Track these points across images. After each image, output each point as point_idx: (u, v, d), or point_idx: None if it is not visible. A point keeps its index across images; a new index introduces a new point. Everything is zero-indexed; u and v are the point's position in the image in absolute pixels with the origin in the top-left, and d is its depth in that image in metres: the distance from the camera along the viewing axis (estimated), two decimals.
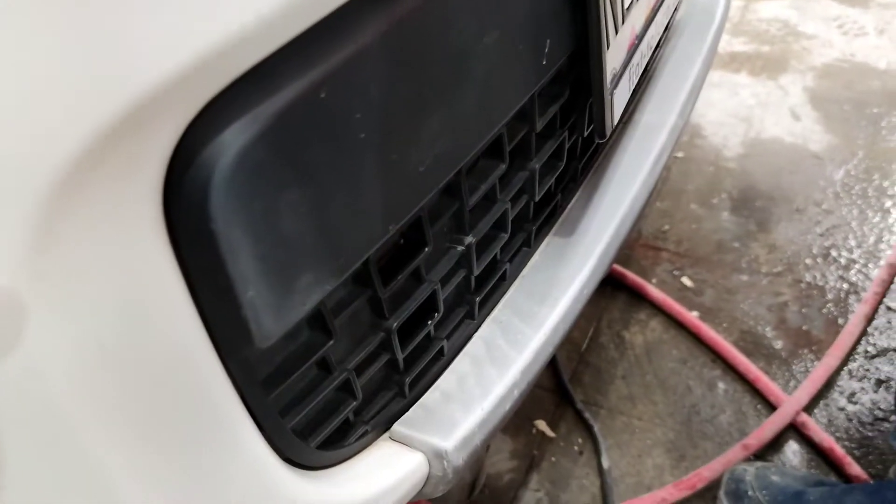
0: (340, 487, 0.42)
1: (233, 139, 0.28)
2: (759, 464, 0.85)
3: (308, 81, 0.30)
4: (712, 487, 0.87)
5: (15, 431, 0.26)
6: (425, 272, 0.44)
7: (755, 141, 1.38)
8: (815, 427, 0.91)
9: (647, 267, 1.16)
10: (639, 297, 1.11)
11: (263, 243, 0.31)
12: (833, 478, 0.87)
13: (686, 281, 1.14)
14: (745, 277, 1.13)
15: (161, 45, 0.25)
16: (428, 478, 0.46)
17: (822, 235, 1.18)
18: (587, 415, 0.97)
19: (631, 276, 1.12)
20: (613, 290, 1.12)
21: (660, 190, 1.29)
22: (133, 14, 0.24)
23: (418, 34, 0.35)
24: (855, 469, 0.87)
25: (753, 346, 1.03)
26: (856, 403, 0.95)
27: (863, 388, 0.96)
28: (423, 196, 0.39)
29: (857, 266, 1.12)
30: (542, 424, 0.97)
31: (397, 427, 0.46)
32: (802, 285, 1.11)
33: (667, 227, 1.23)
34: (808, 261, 1.14)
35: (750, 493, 0.80)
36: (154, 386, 0.30)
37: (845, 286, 1.10)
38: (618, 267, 1.14)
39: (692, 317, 1.07)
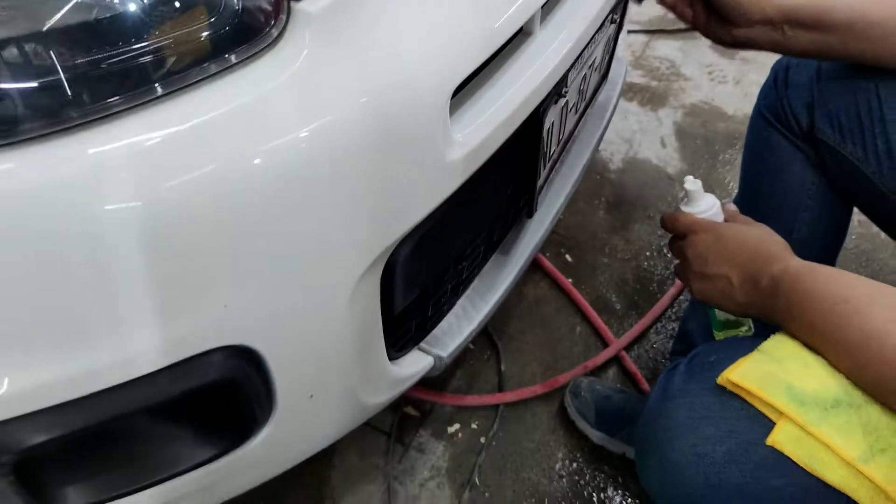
0: (401, 368, 0.98)
1: (399, 252, 0.82)
2: (591, 378, 1.46)
3: (415, 237, 0.84)
4: (564, 388, 1.47)
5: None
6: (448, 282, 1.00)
7: (632, 159, 1.97)
8: (629, 360, 1.53)
9: (545, 244, 1.74)
10: (536, 265, 1.70)
11: (408, 278, 0.85)
12: (632, 390, 1.50)
13: (568, 257, 1.73)
14: (605, 260, 1.73)
15: (392, 225, 0.79)
16: (433, 367, 1.03)
17: (660, 237, 1.79)
18: (495, 337, 1.55)
19: None
20: None
21: None
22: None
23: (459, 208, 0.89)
24: (645, 385, 1.49)
25: (603, 305, 1.64)
26: (654, 348, 1.57)
27: (660, 339, 1.59)
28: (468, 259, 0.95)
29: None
30: None
31: (422, 345, 1.03)
32: (641, 269, 1.72)
33: (561, 216, 1.81)
34: (648, 253, 1.75)
35: (582, 393, 1.41)
36: (363, 328, 0.85)
37: (666, 273, 1.71)
38: None
39: (568, 282, 1.66)
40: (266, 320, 0.73)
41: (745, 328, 0.99)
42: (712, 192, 1.82)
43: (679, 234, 0.93)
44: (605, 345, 1.56)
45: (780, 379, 0.70)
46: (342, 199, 0.71)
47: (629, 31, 2.24)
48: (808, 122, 1.17)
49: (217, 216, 0.64)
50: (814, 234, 1.28)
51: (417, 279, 0.90)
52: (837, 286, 0.73)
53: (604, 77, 1.28)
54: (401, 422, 1.42)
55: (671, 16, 1.15)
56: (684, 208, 0.94)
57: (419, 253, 0.86)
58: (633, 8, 1.45)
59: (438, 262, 0.93)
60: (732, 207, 0.99)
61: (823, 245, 1.31)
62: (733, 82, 2.23)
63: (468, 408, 1.44)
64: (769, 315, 0.81)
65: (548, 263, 1.69)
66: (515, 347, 1.55)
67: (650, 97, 2.15)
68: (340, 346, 0.82)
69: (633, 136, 2.03)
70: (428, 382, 1.47)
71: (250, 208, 0.66)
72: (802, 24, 1.00)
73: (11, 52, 0.59)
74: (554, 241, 1.75)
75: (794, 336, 0.75)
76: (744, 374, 0.72)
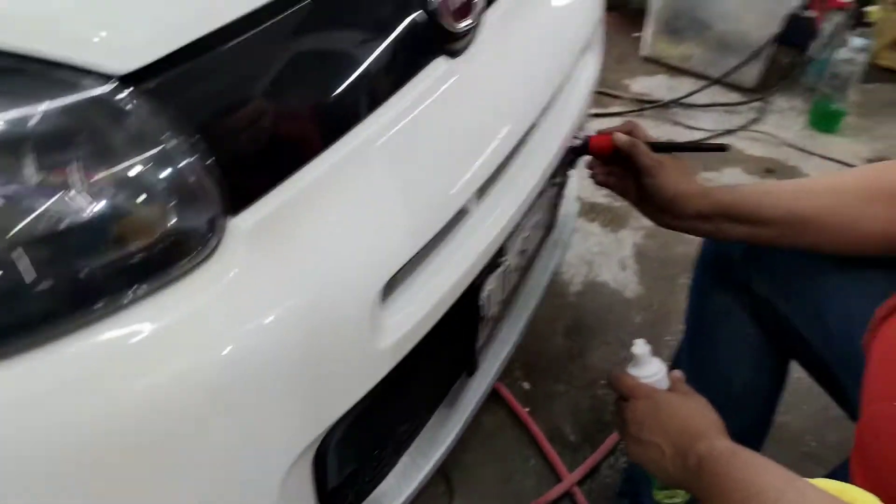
0: None
1: (331, 436, 0.85)
2: None
3: (348, 420, 0.87)
4: None
5: None
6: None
7: (591, 282, 2.02)
8: (581, 496, 1.54)
9: (503, 373, 1.76)
10: (494, 393, 1.72)
11: (342, 456, 0.88)
12: None
13: (525, 385, 1.75)
14: (562, 387, 1.76)
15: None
16: None
17: (616, 364, 1.82)
18: (449, 471, 1.56)
19: None
20: None
21: None
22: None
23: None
24: None
25: (557, 436, 1.66)
26: (606, 483, 1.59)
27: (612, 474, 1.60)
28: (408, 422, 0.97)
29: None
30: None
31: None
32: (596, 399, 1.74)
33: (521, 342, 1.84)
34: (603, 381, 1.78)
35: None
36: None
37: None
38: None
39: (524, 412, 1.68)
40: None
41: (682, 491, 1.01)
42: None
43: (622, 395, 0.98)
44: (559, 479, 1.57)
45: None
46: (267, 401, 0.74)
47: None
48: (746, 273, 1.22)
49: (142, 429, 0.67)
50: (750, 384, 1.31)
51: (352, 455, 0.92)
52: (752, 474, 0.76)
53: (550, 228, 1.33)
54: None
55: None
56: (631, 370, 1.00)
57: (353, 432, 0.88)
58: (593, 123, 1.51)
59: (374, 435, 0.95)
60: (677, 374, 1.02)
61: (762, 396, 1.34)
62: None
63: None
64: (694, 493, 0.85)
65: (506, 391, 1.71)
66: (470, 480, 1.56)
67: (612, 218, 2.22)
68: None
69: (594, 258, 2.09)
70: None
71: (174, 419, 0.68)
72: (736, 219, 1.06)
73: None
74: (513, 368, 1.78)
75: None
76: None
